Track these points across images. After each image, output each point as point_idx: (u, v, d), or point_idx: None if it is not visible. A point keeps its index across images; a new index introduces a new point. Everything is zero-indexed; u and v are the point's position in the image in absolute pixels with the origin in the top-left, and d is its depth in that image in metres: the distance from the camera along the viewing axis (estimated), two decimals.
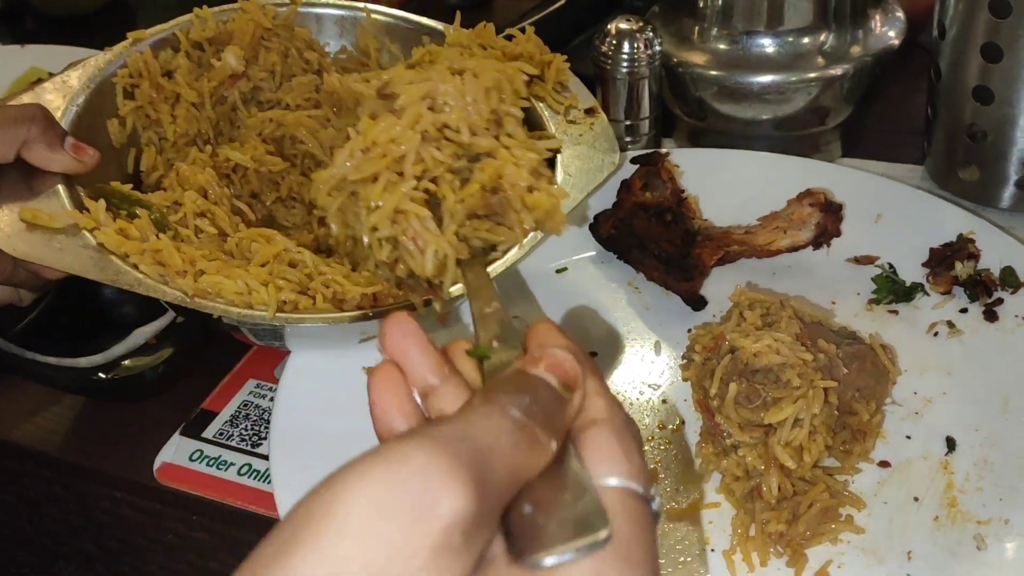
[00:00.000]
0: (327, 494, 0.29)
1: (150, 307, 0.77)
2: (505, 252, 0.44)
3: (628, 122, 0.94)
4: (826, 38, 0.91)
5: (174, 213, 0.70)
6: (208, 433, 0.74)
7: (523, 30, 0.81)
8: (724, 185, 0.87)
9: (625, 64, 0.90)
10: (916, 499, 0.64)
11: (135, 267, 0.64)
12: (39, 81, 0.80)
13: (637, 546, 0.33)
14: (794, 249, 0.82)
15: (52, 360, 0.76)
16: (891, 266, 0.80)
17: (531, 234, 0.44)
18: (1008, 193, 0.86)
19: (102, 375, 0.76)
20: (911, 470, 0.66)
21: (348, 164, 0.42)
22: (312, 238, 0.75)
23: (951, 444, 0.67)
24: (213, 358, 0.80)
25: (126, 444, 0.75)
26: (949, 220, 0.81)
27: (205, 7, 0.82)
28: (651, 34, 0.90)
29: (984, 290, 0.76)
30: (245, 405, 0.76)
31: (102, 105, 0.77)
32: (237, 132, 0.80)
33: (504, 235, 0.43)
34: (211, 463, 0.72)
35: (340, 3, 0.87)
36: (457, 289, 0.53)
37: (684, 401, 0.71)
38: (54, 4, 1.37)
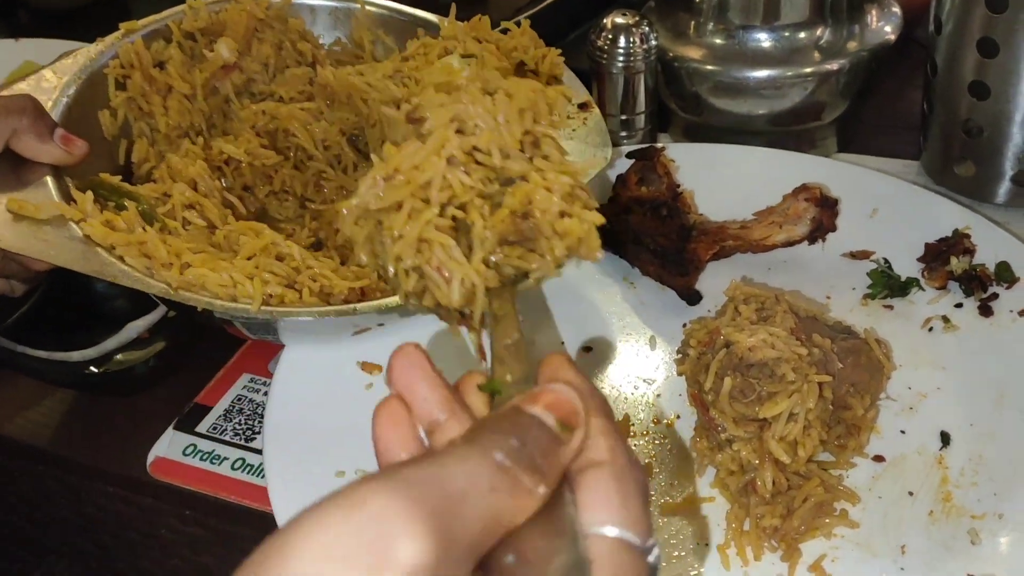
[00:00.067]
0: (281, 541, 0.28)
1: (142, 301, 0.77)
2: (539, 280, 0.42)
3: (624, 117, 0.94)
4: (822, 33, 0.91)
5: (163, 205, 0.70)
6: (202, 428, 0.74)
7: (519, 24, 0.81)
8: (720, 180, 0.86)
9: (621, 59, 0.90)
10: (910, 494, 0.64)
11: (121, 259, 0.64)
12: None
13: None
14: (790, 244, 0.82)
15: (43, 354, 0.76)
16: (886, 261, 0.80)
17: (565, 262, 0.42)
18: (1004, 189, 0.86)
19: (94, 369, 0.76)
20: (905, 465, 0.66)
21: (371, 193, 0.41)
22: (306, 232, 0.75)
23: (945, 439, 0.67)
24: (207, 353, 0.79)
25: (119, 438, 0.75)
26: (945, 215, 0.81)
27: None
28: (647, 28, 0.90)
29: (979, 285, 0.76)
30: (239, 400, 0.76)
31: (93, 96, 0.77)
32: (230, 124, 0.79)
33: (537, 262, 0.41)
34: (205, 458, 0.72)
35: None
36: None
37: (679, 396, 0.71)
38: None
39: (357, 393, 0.71)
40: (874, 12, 0.93)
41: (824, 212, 0.81)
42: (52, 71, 0.77)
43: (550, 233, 0.41)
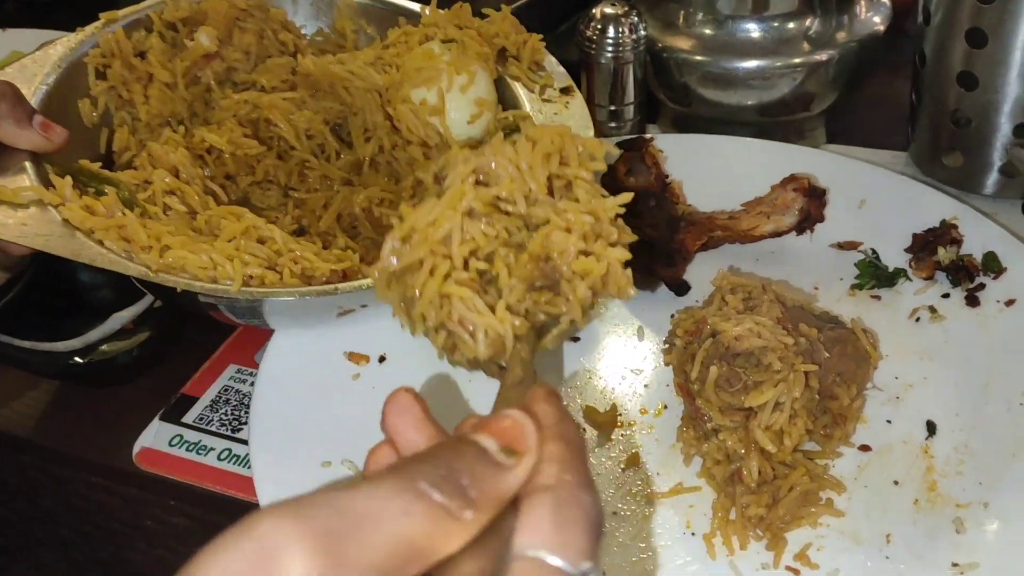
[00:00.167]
0: (184, 574, 0.29)
1: (127, 291, 0.77)
2: (571, 323, 0.41)
3: (613, 107, 0.94)
4: (811, 23, 0.91)
5: (143, 191, 0.69)
6: (188, 418, 0.74)
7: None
8: (708, 171, 0.86)
9: (610, 49, 0.90)
10: (896, 483, 0.64)
11: (100, 243, 0.63)
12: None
13: None
14: (778, 234, 0.82)
15: (28, 344, 0.75)
16: (874, 251, 0.80)
17: (593, 303, 0.41)
18: (991, 179, 0.86)
19: (79, 359, 0.76)
20: (891, 454, 0.66)
21: (391, 255, 0.41)
22: (289, 219, 0.75)
23: (931, 428, 0.67)
24: (193, 343, 0.79)
25: (104, 429, 0.74)
26: (932, 206, 0.81)
27: None
28: (636, 19, 0.90)
29: (966, 275, 0.76)
30: (226, 390, 0.76)
31: (74, 85, 0.76)
32: (212, 114, 0.79)
33: (564, 306, 0.41)
34: (191, 448, 0.71)
35: None
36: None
37: (667, 386, 0.71)
38: None
39: (344, 383, 0.71)
40: (863, 3, 0.93)
41: (812, 203, 0.81)
42: (32, 59, 0.76)
43: (570, 275, 0.40)
